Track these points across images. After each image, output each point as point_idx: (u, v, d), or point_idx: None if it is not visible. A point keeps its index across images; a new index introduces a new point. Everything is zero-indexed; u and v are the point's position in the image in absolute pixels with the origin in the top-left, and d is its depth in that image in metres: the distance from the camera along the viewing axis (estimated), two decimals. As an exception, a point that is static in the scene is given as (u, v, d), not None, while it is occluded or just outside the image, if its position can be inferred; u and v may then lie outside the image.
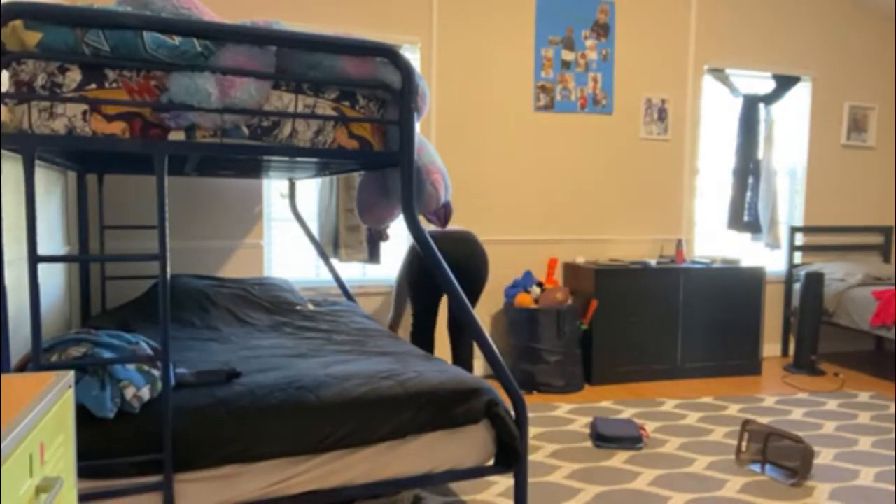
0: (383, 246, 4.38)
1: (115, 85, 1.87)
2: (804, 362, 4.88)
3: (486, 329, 4.71)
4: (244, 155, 2.06)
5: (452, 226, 3.94)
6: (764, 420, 3.74)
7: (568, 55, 4.78)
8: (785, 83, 5.23)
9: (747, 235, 5.31)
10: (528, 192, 4.79)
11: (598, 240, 4.99)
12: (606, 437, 3.31)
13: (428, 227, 3.90)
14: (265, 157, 2.20)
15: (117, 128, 1.88)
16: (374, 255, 4.34)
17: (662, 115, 5.03)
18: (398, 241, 4.54)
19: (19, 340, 2.39)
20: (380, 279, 4.55)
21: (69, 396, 1.20)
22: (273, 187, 4.34)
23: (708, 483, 2.91)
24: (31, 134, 1.79)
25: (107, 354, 1.93)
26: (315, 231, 4.37)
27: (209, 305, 3.43)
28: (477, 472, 2.30)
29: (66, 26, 1.79)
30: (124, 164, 3.20)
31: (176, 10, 1.98)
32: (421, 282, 3.74)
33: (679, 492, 2.81)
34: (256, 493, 2.00)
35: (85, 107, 1.84)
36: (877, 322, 4.57)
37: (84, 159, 2.85)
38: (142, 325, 3.06)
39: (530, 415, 3.82)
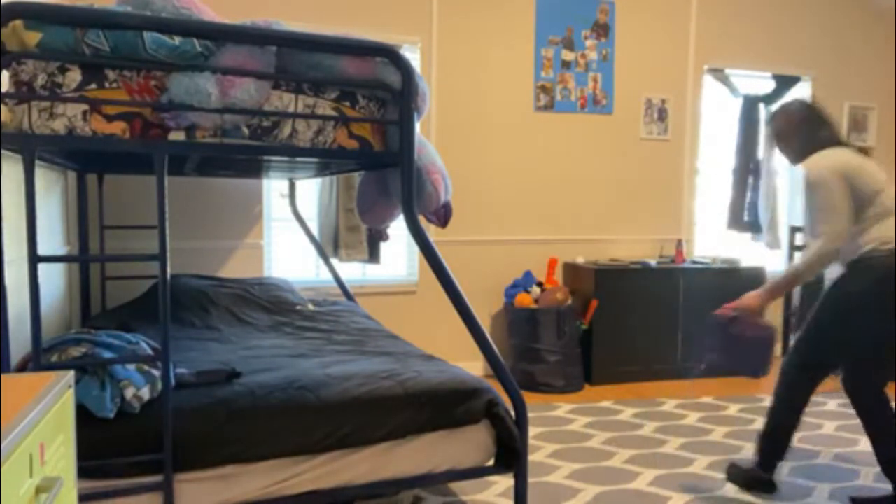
0: (383, 246, 4.37)
1: (115, 85, 1.87)
2: (804, 362, 4.86)
3: (486, 329, 4.71)
4: (244, 155, 2.06)
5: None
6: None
7: (568, 55, 4.78)
8: (785, 83, 5.23)
9: (747, 235, 5.31)
10: (529, 192, 4.79)
11: (598, 240, 4.99)
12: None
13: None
14: (265, 158, 2.20)
15: (117, 128, 1.88)
16: (374, 255, 4.34)
17: (662, 115, 5.03)
18: (398, 241, 4.54)
19: (19, 340, 2.39)
20: (380, 279, 4.54)
21: (69, 396, 1.20)
22: (273, 187, 4.33)
23: (708, 483, 2.91)
24: (31, 134, 1.79)
25: (107, 354, 1.93)
26: (315, 231, 4.37)
27: (209, 305, 3.43)
28: (477, 472, 2.30)
29: (66, 26, 1.79)
30: (124, 164, 3.20)
31: (176, 10, 1.98)
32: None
33: (679, 492, 2.81)
34: (256, 493, 2.00)
35: (85, 107, 1.84)
36: (877, 322, 4.56)
37: (84, 159, 2.85)
38: (142, 325, 3.06)
39: (530, 415, 3.82)
